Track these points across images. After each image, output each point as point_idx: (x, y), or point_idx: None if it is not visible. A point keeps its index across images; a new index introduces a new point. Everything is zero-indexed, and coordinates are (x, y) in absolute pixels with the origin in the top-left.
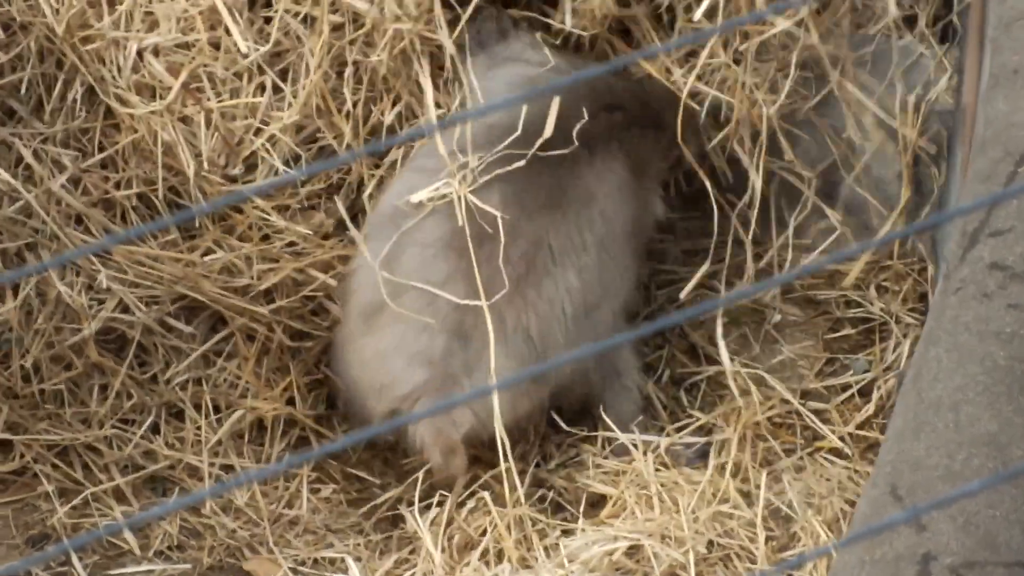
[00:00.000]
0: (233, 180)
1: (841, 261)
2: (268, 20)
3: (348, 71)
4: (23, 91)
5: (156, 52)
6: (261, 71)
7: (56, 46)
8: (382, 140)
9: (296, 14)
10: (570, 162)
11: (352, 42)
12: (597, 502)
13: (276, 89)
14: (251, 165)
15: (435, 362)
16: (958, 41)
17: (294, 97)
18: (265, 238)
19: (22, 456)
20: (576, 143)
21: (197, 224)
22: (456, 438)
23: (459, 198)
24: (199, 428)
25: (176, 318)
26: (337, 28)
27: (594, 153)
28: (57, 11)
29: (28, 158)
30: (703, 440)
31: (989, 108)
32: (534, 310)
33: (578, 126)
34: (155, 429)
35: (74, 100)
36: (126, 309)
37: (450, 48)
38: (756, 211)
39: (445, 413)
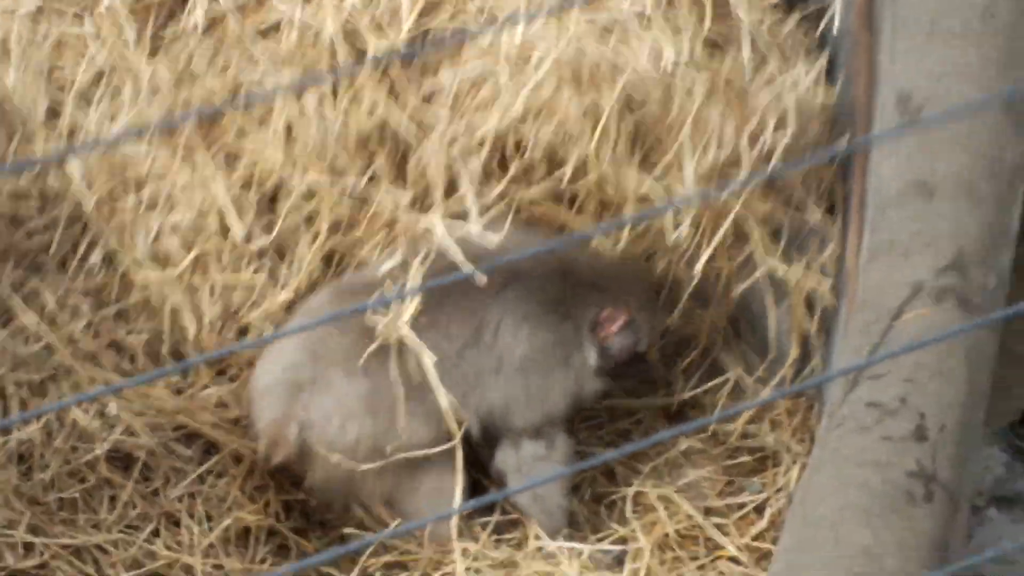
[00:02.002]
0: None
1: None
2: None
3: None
4: (52, 250)
5: (172, 229)
6: (262, 255)
7: (84, 215)
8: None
9: (304, 213)
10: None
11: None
12: None
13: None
14: (244, 329)
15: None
16: (842, 217)
17: (287, 283)
18: None
19: (42, 554)
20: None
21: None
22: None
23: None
24: (193, 534)
25: (176, 442)
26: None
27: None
28: (89, 186)
29: (51, 305)
30: (620, 548)
31: (867, 277)
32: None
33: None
34: (156, 533)
35: (96, 261)
36: (133, 433)
37: None
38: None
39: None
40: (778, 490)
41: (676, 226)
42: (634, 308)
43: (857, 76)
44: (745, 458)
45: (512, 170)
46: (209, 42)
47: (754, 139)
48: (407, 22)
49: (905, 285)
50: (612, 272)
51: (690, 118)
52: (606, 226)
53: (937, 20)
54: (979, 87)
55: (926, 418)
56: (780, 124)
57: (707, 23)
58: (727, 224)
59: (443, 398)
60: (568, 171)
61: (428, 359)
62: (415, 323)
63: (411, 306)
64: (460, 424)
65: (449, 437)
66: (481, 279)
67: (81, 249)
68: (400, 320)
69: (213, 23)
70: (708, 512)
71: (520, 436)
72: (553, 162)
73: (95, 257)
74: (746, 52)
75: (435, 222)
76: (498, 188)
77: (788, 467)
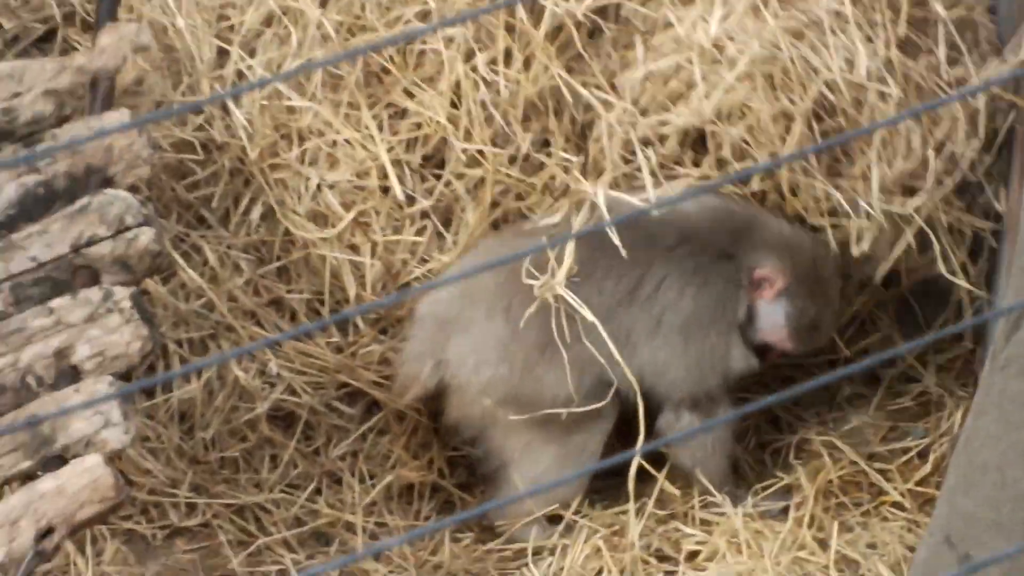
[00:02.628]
0: None
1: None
2: (438, 177)
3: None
4: (215, 203)
5: (332, 187)
6: (424, 215)
7: (247, 168)
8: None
9: (461, 176)
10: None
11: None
12: (694, 552)
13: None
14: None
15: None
16: (1005, 151)
17: (454, 244)
18: None
19: (204, 513)
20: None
21: (357, 325)
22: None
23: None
24: (355, 492)
25: (338, 401)
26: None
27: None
28: (251, 137)
29: (212, 261)
30: (782, 504)
31: None
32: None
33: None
34: (318, 492)
35: (258, 216)
36: (294, 392)
37: None
38: None
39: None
40: (942, 435)
41: (859, 239)
42: (794, 284)
43: None
44: (908, 403)
45: (704, 166)
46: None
47: (941, 147)
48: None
49: None
50: (792, 241)
51: (880, 130)
52: None
53: None
54: None
55: None
56: (970, 132)
57: (903, 20)
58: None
59: (616, 353)
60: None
61: (590, 317)
62: (570, 278)
63: (567, 263)
64: (610, 386)
65: (595, 395)
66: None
67: (243, 203)
68: (556, 278)
69: None
70: (871, 458)
71: (679, 406)
72: (741, 161)
73: (256, 212)
74: (941, 53)
75: (601, 188)
76: (683, 180)
77: (951, 411)
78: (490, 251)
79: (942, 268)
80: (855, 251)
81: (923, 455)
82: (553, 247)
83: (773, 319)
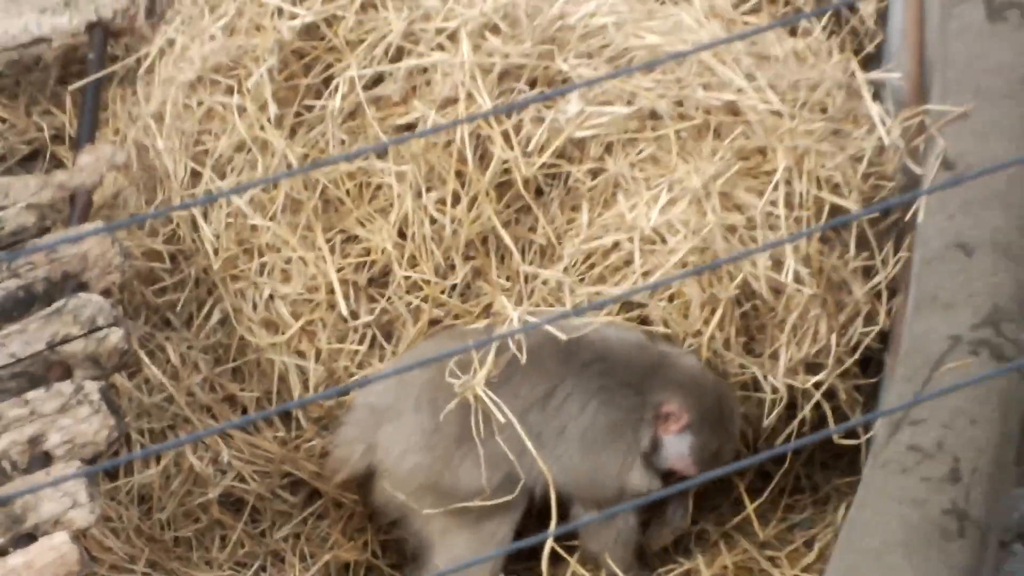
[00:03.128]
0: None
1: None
2: (382, 295)
3: None
4: (179, 308)
5: (283, 298)
6: (367, 327)
7: (210, 277)
8: None
9: (408, 302)
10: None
11: None
12: None
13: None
14: (346, 392)
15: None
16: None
17: (393, 354)
18: None
19: None
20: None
21: (300, 421)
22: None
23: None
24: (296, 570)
25: (283, 488)
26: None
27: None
28: (216, 251)
29: (174, 360)
30: None
31: (911, 328)
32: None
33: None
34: (263, 569)
35: (216, 321)
36: (243, 479)
37: None
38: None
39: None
40: (826, 526)
41: (769, 411)
42: (698, 421)
43: (907, 135)
44: (798, 496)
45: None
46: (345, 128)
47: (844, 331)
48: (544, 154)
49: (945, 338)
50: (699, 380)
51: (792, 316)
52: None
53: (983, 84)
54: (1019, 147)
55: (960, 461)
56: (870, 319)
57: (823, 219)
58: (809, 407)
59: (532, 449)
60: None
61: (506, 416)
62: (489, 380)
63: (487, 366)
64: (518, 481)
65: (505, 488)
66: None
67: (205, 309)
68: (476, 379)
69: (352, 113)
70: (763, 546)
71: (584, 503)
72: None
73: (215, 318)
74: (852, 249)
75: (521, 309)
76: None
77: (836, 505)
78: (424, 350)
79: (831, 426)
80: (764, 423)
81: (809, 544)
82: (476, 349)
83: (678, 450)
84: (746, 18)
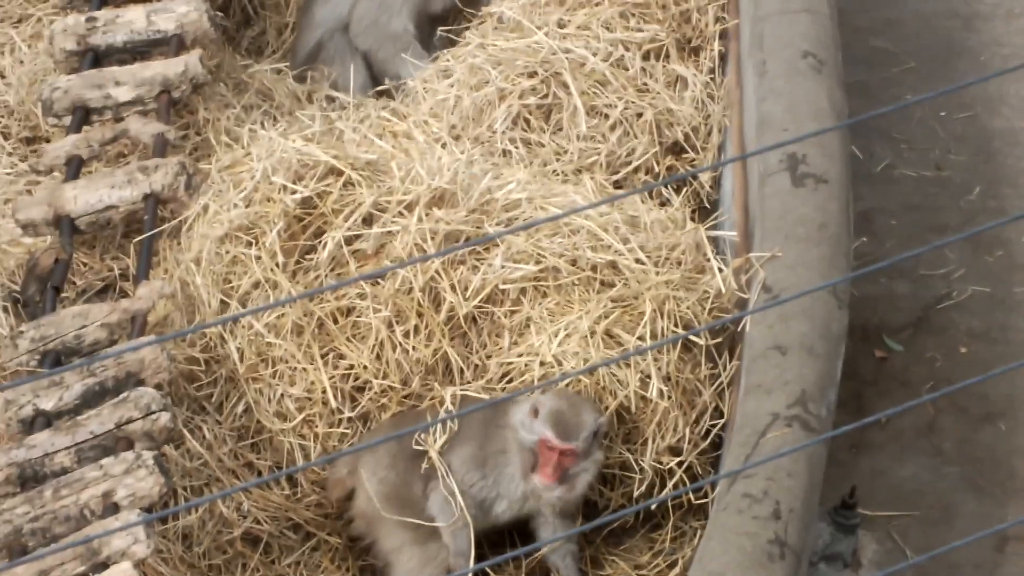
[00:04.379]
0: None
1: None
2: (360, 396)
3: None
4: (213, 399)
5: (290, 396)
6: (351, 420)
7: (236, 379)
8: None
9: (379, 403)
10: None
11: None
12: None
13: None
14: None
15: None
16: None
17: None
18: None
19: None
20: None
21: (302, 483)
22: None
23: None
24: None
25: (287, 529)
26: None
27: None
28: (241, 359)
29: (208, 436)
30: None
31: (742, 408)
32: None
33: None
34: None
35: (241, 411)
36: (259, 523)
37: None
38: None
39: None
40: (685, 553)
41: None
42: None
43: (738, 272)
44: (665, 530)
45: None
46: (334, 275)
47: (698, 422)
48: (471, 299)
49: (768, 414)
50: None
51: (657, 417)
52: None
53: (790, 231)
54: (820, 275)
55: (780, 504)
56: (717, 412)
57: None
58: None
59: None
60: None
61: (445, 480)
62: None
63: (442, 439)
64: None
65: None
66: None
67: (232, 402)
68: (434, 446)
69: (338, 262)
70: (637, 567)
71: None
72: None
73: (240, 408)
74: (702, 364)
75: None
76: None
77: (691, 537)
78: (394, 423)
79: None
80: (636, 492)
81: (672, 565)
82: (433, 424)
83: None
84: (619, 191)
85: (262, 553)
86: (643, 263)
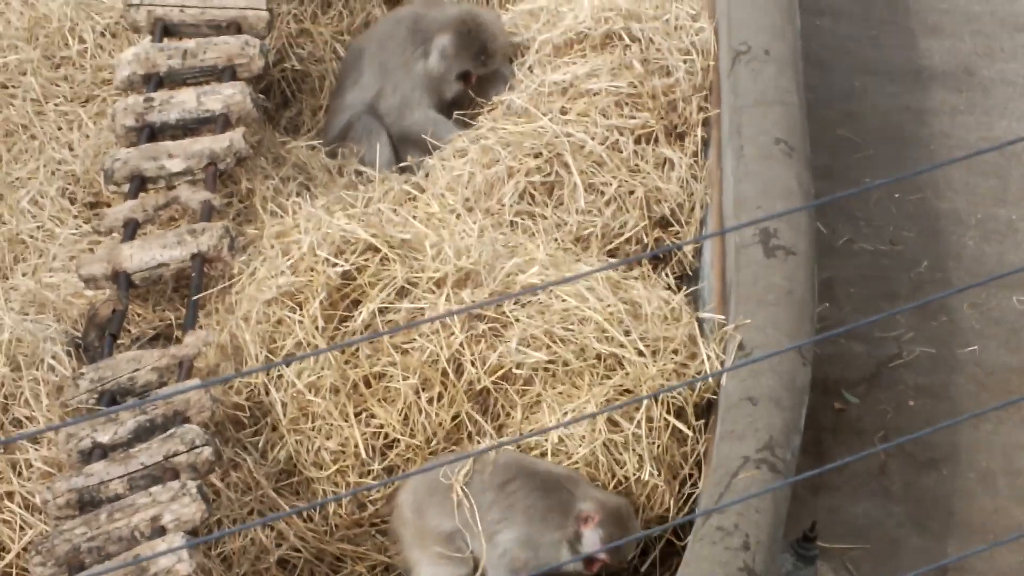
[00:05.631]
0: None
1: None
2: (390, 452)
3: None
4: (259, 446)
5: (326, 449)
6: (378, 474)
7: (279, 428)
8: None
9: (406, 458)
10: None
11: None
12: None
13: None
14: (363, 505)
15: None
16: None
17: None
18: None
19: None
20: None
21: (331, 520)
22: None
23: None
24: None
25: (316, 559)
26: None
27: None
28: (284, 412)
29: (256, 473)
30: None
31: (718, 451)
32: None
33: None
34: None
35: (283, 458)
36: (295, 549)
37: None
38: None
39: None
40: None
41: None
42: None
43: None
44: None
45: None
46: (368, 344)
47: (681, 491)
48: (488, 374)
49: (739, 457)
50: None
51: (647, 491)
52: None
53: (762, 297)
54: (788, 336)
55: (749, 536)
56: (694, 481)
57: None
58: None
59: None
60: None
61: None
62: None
63: (463, 477)
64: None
65: (457, 545)
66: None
67: (276, 450)
68: (458, 479)
69: (370, 326)
70: None
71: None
72: None
73: (282, 455)
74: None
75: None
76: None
77: (677, 563)
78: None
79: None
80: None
81: None
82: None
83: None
84: (629, 282)
85: (292, 572)
86: (643, 355)
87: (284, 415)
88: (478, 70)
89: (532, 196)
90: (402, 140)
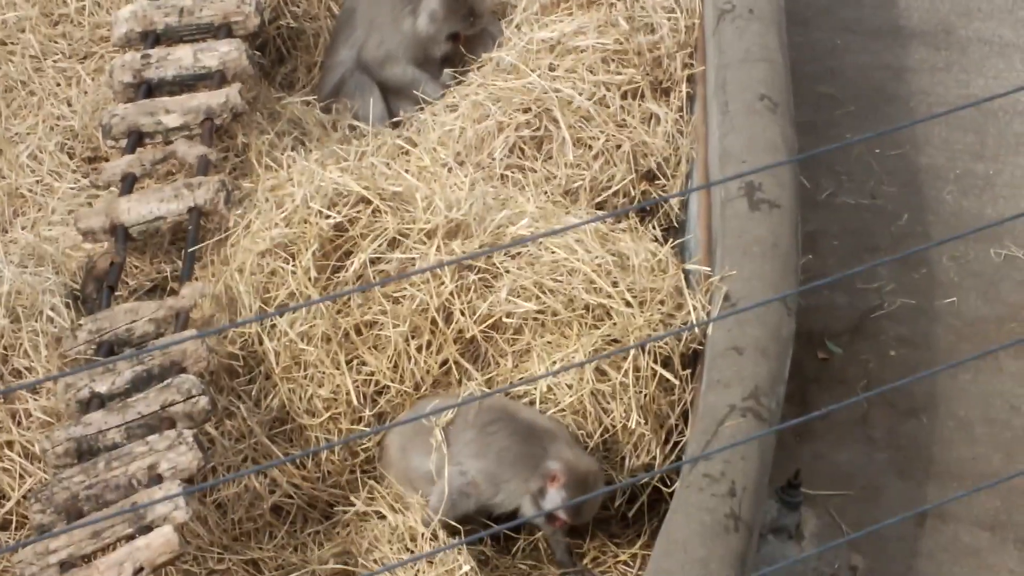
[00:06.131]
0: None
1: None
2: (380, 398)
3: None
4: (253, 394)
5: (318, 396)
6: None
7: (272, 377)
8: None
9: (395, 404)
10: None
11: None
12: None
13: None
14: (354, 453)
15: None
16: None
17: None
18: None
19: (228, 564)
20: None
21: (319, 461)
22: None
23: None
24: (314, 551)
25: (309, 505)
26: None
27: None
28: (277, 360)
29: (249, 421)
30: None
31: (704, 400)
32: None
33: None
34: (295, 551)
35: (276, 405)
36: (287, 496)
37: None
38: None
39: None
40: (653, 524)
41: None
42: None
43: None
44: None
45: None
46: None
47: (667, 440)
48: (478, 323)
49: (725, 406)
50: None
51: (633, 439)
52: None
53: (747, 249)
54: (772, 287)
55: (735, 483)
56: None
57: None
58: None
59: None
60: None
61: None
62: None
63: (446, 416)
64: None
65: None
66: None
67: (269, 397)
68: (439, 423)
69: (361, 277)
70: (612, 536)
71: None
72: None
73: (275, 403)
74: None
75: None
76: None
77: (660, 512)
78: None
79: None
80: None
81: (640, 535)
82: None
83: (555, 500)
84: (617, 234)
85: (288, 524)
86: (630, 305)
87: (277, 364)
88: (467, 30)
89: (522, 150)
90: (396, 95)
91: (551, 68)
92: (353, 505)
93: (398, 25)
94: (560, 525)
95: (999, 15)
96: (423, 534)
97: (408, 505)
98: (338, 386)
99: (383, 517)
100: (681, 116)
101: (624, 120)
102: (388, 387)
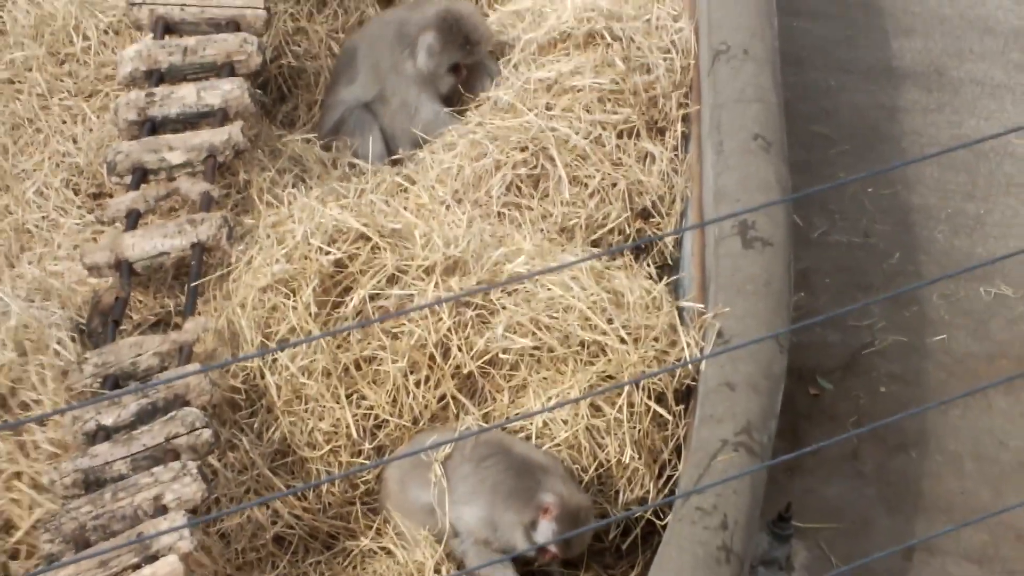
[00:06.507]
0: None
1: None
2: (379, 432)
3: None
4: (255, 427)
5: (319, 430)
6: (369, 453)
7: (274, 410)
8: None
9: (395, 437)
10: None
11: None
12: None
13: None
14: (355, 485)
15: None
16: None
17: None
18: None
19: None
20: None
21: (320, 495)
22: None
23: None
24: None
25: (310, 536)
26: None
27: None
28: (279, 394)
29: (252, 454)
30: None
31: (697, 434)
32: None
33: None
34: None
35: (277, 438)
36: (288, 526)
37: None
38: None
39: None
40: (646, 557)
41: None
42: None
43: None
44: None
45: None
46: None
47: (661, 474)
48: (475, 359)
49: (718, 441)
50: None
51: (627, 474)
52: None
53: (740, 286)
54: (765, 324)
55: (728, 517)
56: (674, 465)
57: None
58: (643, 522)
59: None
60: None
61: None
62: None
63: (445, 451)
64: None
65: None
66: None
67: (270, 430)
68: (437, 457)
69: (360, 312)
70: (606, 567)
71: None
72: None
73: (276, 435)
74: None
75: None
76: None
77: (653, 545)
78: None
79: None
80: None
81: (633, 566)
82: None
83: (546, 532)
84: (612, 272)
85: (290, 554)
86: (625, 342)
87: (279, 397)
88: (466, 60)
89: (519, 188)
90: (395, 135)
91: (548, 107)
92: (354, 536)
93: (401, 69)
94: (551, 558)
95: (991, 57)
96: (431, 568)
97: (415, 540)
98: (338, 419)
99: (389, 553)
100: (676, 155)
101: (620, 159)
102: (387, 421)
